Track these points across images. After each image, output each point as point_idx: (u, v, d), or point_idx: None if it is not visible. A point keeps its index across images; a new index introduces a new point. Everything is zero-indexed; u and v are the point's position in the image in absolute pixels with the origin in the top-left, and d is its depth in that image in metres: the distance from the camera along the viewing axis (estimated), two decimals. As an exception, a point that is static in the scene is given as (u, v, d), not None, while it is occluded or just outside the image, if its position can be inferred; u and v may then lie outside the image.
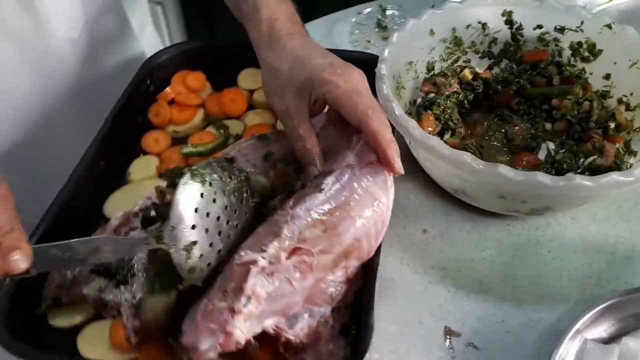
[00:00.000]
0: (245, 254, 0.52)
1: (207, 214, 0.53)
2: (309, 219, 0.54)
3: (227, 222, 0.55)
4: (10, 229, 0.44)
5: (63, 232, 0.56)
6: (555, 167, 0.71)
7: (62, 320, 0.60)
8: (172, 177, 0.66)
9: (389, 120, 0.59)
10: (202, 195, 0.53)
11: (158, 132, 0.80)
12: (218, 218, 0.54)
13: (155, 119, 0.80)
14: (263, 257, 0.51)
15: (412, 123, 0.61)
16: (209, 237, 0.53)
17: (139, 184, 0.73)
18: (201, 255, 0.52)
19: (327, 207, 0.54)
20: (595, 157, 0.68)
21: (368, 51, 0.95)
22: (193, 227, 0.52)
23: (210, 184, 0.54)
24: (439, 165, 0.64)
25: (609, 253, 0.69)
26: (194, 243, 0.52)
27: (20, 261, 0.44)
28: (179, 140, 0.79)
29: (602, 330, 0.61)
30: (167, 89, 0.82)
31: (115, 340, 0.57)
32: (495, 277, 0.67)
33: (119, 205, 0.69)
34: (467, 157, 0.57)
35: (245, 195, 0.59)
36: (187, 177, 0.53)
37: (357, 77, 0.57)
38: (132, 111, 0.78)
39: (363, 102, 0.55)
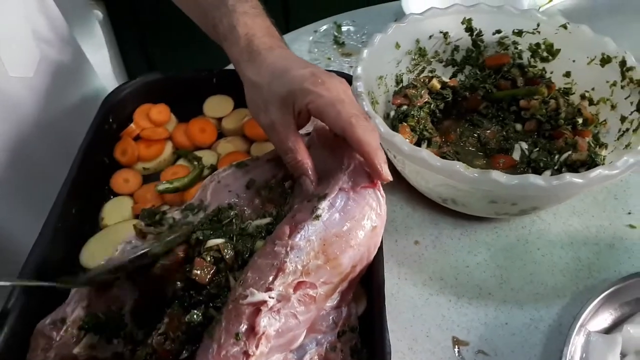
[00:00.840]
0: (250, 294, 0.50)
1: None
2: (310, 250, 0.52)
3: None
4: None
5: (40, 288, 0.54)
6: (532, 166, 0.73)
7: (52, 387, 0.55)
8: (151, 217, 0.64)
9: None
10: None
11: (127, 171, 0.76)
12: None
13: (123, 157, 0.76)
14: (271, 297, 0.49)
15: (398, 138, 0.61)
16: None
17: (114, 228, 0.69)
18: None
19: (326, 235, 0.52)
20: (569, 152, 0.70)
21: (329, 69, 0.95)
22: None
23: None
24: (428, 177, 0.64)
25: (594, 244, 0.71)
26: None
27: None
28: (150, 177, 0.76)
29: (603, 320, 0.62)
30: (131, 125, 0.79)
31: (115, 401, 0.53)
32: (492, 281, 0.67)
33: (97, 253, 0.65)
34: (459, 166, 0.58)
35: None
36: None
37: (339, 86, 0.56)
38: (98, 152, 0.74)
39: (346, 111, 0.53)
